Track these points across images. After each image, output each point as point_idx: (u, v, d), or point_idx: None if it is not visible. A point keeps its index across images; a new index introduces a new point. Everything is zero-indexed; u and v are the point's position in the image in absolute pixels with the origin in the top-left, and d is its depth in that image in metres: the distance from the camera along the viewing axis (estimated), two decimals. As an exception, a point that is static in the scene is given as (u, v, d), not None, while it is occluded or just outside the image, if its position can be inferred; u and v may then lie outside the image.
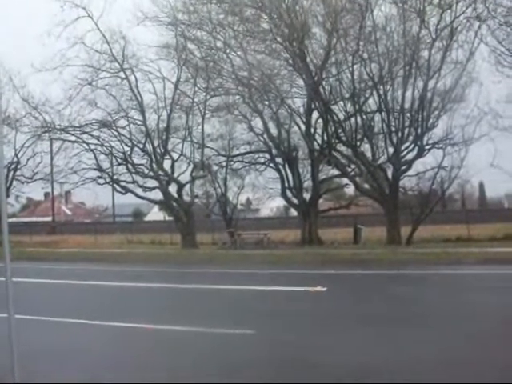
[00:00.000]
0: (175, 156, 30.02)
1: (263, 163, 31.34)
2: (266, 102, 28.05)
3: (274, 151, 29.50)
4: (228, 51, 27.55)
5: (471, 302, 10.72)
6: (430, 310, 10.01)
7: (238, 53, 27.32)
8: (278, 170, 29.83)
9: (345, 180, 30.85)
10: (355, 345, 7.45)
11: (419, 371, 6.11)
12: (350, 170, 28.06)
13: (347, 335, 8.10)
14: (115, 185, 31.55)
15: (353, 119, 26.57)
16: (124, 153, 30.20)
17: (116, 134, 30.04)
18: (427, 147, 25.77)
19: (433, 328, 8.35)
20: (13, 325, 5.25)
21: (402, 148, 25.80)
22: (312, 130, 28.49)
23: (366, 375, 6.00)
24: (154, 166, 29.54)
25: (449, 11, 23.76)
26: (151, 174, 29.86)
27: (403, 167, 25.94)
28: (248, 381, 6.01)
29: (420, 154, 25.62)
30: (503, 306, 10.10)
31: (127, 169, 30.49)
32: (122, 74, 28.18)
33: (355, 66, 25.46)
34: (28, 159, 34.53)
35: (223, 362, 6.81)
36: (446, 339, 7.61)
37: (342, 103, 26.98)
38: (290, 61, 26.75)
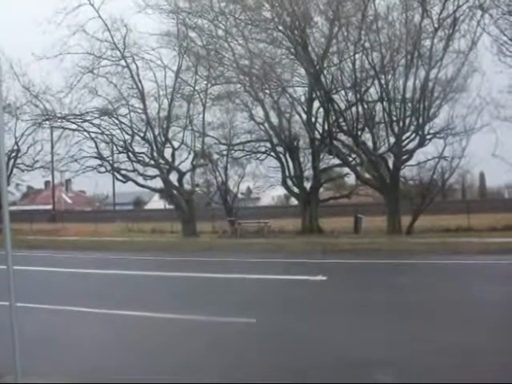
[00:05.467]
0: (176, 144, 30.07)
1: (264, 152, 31.28)
2: (267, 91, 27.97)
3: (274, 140, 29.45)
4: (229, 40, 27.46)
5: (467, 291, 10.84)
6: (426, 298, 10.19)
7: (240, 41, 27.27)
8: (279, 159, 29.80)
9: (346, 169, 30.82)
10: (355, 332, 7.54)
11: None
12: (350, 159, 27.99)
13: (348, 323, 8.17)
14: (116, 173, 31.52)
15: (354, 108, 26.50)
16: (125, 141, 30.15)
17: (117, 122, 29.97)
18: (428, 137, 25.75)
19: (425, 315, 8.69)
20: (15, 319, 4.95)
21: (403, 138, 25.76)
22: (313, 119, 28.44)
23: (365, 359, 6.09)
24: (155, 154, 29.51)
25: (451, 0, 23.65)
26: (152, 162, 29.83)
27: (404, 157, 25.92)
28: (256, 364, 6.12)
29: (421, 144, 25.58)
30: (497, 294, 10.27)
31: (128, 157, 30.46)
32: (123, 62, 28.13)
33: (357, 55, 25.33)
34: (28, 147, 34.62)
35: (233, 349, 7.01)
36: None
37: (343, 92, 26.86)
38: (292, 49, 26.68)
